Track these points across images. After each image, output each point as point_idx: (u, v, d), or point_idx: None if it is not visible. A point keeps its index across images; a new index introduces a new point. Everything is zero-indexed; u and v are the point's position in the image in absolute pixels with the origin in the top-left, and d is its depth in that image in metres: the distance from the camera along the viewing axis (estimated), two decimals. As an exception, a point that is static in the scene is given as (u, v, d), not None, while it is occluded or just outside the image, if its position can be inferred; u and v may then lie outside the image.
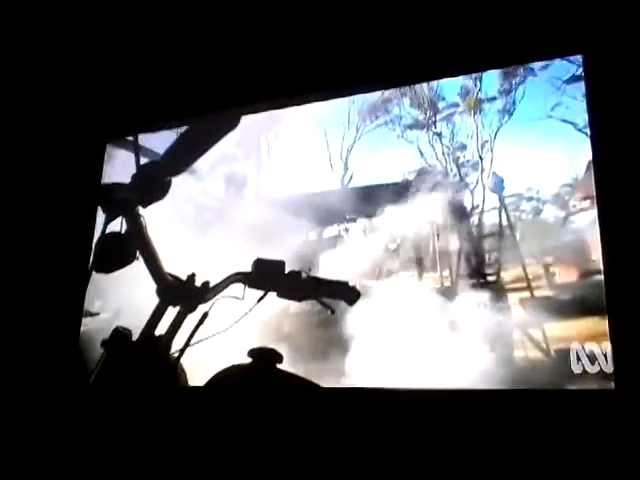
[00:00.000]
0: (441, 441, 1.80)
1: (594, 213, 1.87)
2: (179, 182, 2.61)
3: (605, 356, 1.76)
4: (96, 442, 2.19)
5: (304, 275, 2.07)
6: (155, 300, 2.38)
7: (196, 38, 2.53)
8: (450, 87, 2.46)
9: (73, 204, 2.56)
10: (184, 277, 2.31)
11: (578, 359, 1.81)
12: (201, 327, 2.20)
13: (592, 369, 1.78)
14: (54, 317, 2.42)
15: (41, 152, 2.64)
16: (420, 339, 1.96)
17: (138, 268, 2.47)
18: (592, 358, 1.79)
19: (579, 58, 2.08)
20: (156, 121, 2.58)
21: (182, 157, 2.58)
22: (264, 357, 2.05)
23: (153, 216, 2.56)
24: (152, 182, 2.51)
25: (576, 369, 1.79)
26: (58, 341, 2.40)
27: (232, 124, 2.53)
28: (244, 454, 1.96)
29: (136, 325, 2.38)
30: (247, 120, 2.65)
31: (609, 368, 1.74)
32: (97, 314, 2.43)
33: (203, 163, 2.62)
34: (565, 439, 1.68)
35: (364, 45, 2.29)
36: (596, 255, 1.89)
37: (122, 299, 2.52)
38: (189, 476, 2.03)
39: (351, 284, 2.05)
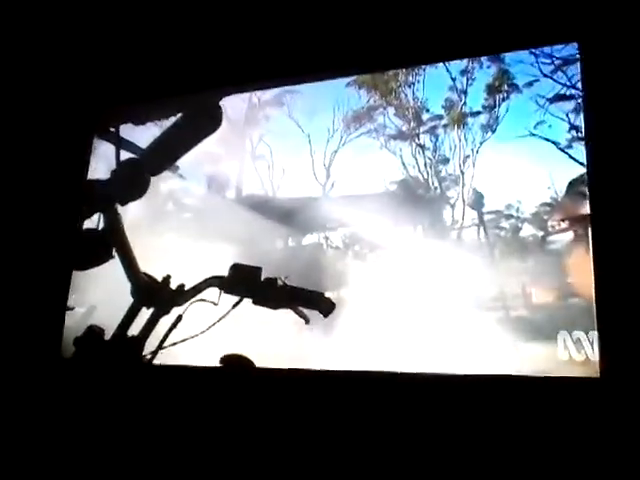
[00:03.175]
0: (427, 428, 1.79)
1: (571, 235, 1.88)
2: (160, 178, 2.58)
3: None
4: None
5: (280, 283, 2.05)
6: (130, 299, 2.36)
7: (180, 19, 2.49)
8: (435, 99, 2.46)
9: (59, 198, 2.52)
10: (159, 278, 2.28)
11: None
12: (174, 330, 2.17)
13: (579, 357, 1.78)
14: (37, 312, 2.39)
15: (26, 144, 2.60)
16: (396, 355, 1.95)
17: (115, 265, 2.45)
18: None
19: (563, 77, 2.08)
20: (141, 100, 2.52)
21: (163, 156, 2.54)
22: (235, 363, 2.03)
23: (131, 213, 2.54)
24: (132, 180, 2.48)
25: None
26: (40, 335, 2.37)
27: (215, 124, 2.51)
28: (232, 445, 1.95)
29: (110, 324, 2.35)
30: (232, 120, 2.63)
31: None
32: (72, 308, 2.40)
33: (186, 161, 2.60)
34: (550, 427, 1.68)
35: (354, 26, 2.25)
36: (573, 277, 1.89)
37: (98, 296, 2.49)
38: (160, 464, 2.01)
39: (327, 295, 2.04)
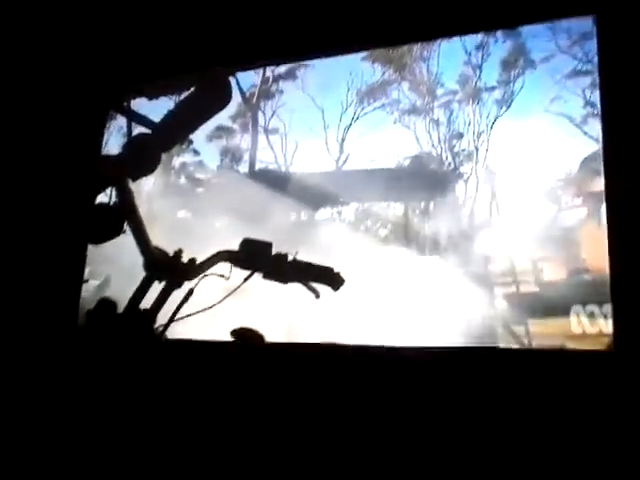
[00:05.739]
0: (439, 400, 1.80)
1: (585, 211, 1.86)
2: (173, 152, 2.58)
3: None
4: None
5: (290, 258, 2.05)
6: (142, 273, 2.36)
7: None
8: (449, 74, 2.44)
9: (73, 173, 2.53)
10: (171, 252, 2.29)
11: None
12: (186, 304, 2.18)
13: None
14: (54, 283, 2.41)
15: (42, 121, 2.61)
16: (402, 325, 1.95)
17: (127, 239, 2.45)
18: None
19: (579, 52, 2.05)
20: (155, 77, 2.52)
21: (174, 131, 2.53)
22: (246, 337, 2.03)
23: (144, 187, 2.54)
24: (142, 155, 2.47)
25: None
26: (58, 306, 2.39)
27: (225, 99, 2.49)
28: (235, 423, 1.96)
29: (122, 296, 2.37)
30: (245, 93, 2.61)
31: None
32: (86, 281, 2.42)
33: (199, 135, 2.59)
34: (565, 400, 1.67)
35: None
36: (585, 253, 1.88)
37: (110, 268, 2.50)
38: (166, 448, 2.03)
39: (336, 270, 2.03)
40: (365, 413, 1.86)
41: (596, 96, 1.92)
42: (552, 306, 1.94)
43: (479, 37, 2.36)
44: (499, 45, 2.26)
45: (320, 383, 1.91)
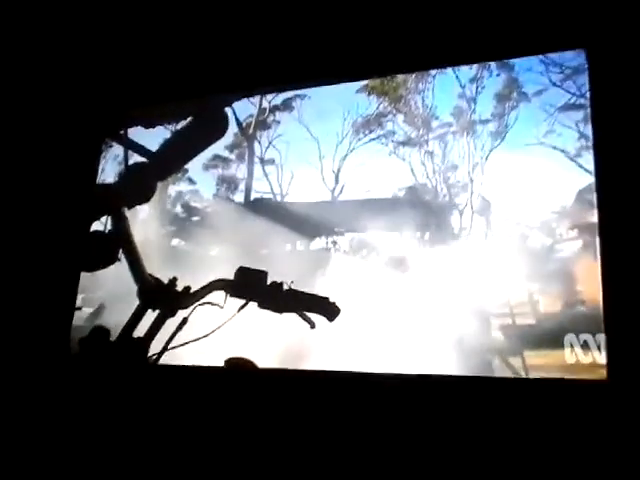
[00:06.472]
0: (438, 432, 1.79)
1: (581, 243, 1.87)
2: (169, 181, 2.59)
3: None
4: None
5: (286, 287, 2.05)
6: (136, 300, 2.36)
7: (188, 23, 2.50)
8: (444, 106, 2.46)
9: (68, 201, 2.53)
10: (165, 280, 2.29)
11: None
12: (180, 332, 2.17)
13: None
14: (46, 310, 2.40)
15: (36, 147, 2.62)
16: (396, 355, 1.94)
17: (122, 267, 2.45)
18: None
19: (572, 86, 2.07)
20: (151, 103, 2.54)
21: (171, 161, 2.56)
22: (240, 367, 2.02)
23: (139, 216, 2.54)
24: (138, 184, 2.49)
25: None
26: (49, 333, 2.38)
27: (221, 130, 2.52)
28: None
29: (116, 324, 2.36)
30: (242, 124, 2.63)
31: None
32: (80, 308, 2.41)
33: (195, 164, 2.60)
34: (558, 430, 1.67)
35: (362, 30, 2.25)
36: (581, 285, 1.88)
37: (105, 297, 2.49)
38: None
39: (332, 300, 2.03)
40: (358, 441, 1.85)
41: (590, 129, 1.94)
42: (548, 338, 1.94)
43: (473, 70, 2.39)
44: (493, 78, 2.29)
45: (314, 409, 1.90)
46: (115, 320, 2.41)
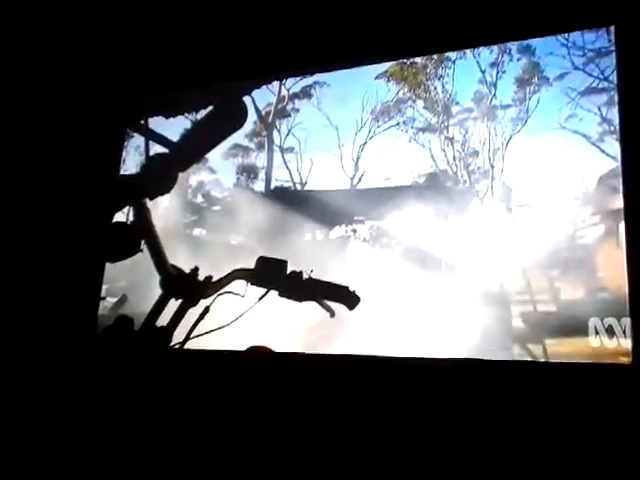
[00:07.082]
0: (451, 412, 1.79)
1: (603, 229, 1.85)
2: (190, 171, 2.61)
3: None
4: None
5: (305, 276, 2.06)
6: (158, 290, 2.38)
7: (208, 9, 2.50)
8: (464, 92, 2.44)
9: (92, 192, 2.56)
10: (187, 270, 2.31)
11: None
12: (202, 321, 2.20)
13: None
14: (72, 300, 2.43)
15: (59, 139, 2.64)
16: (417, 345, 1.94)
17: (143, 257, 2.48)
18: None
19: (594, 69, 2.04)
20: (171, 89, 2.54)
21: (191, 151, 2.57)
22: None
23: (161, 206, 2.56)
24: (160, 175, 2.51)
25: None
26: (76, 322, 2.41)
27: (240, 120, 2.52)
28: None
29: (140, 314, 2.38)
30: (262, 112, 2.64)
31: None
32: (104, 298, 2.44)
33: (215, 153, 2.61)
34: (583, 414, 1.66)
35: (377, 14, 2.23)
36: (603, 272, 1.86)
37: (126, 286, 2.52)
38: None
39: (352, 289, 2.04)
40: (375, 424, 1.86)
41: (612, 113, 1.91)
42: (570, 325, 1.93)
43: (493, 55, 2.36)
44: (514, 62, 2.26)
45: (332, 393, 1.91)
46: (138, 310, 2.44)
